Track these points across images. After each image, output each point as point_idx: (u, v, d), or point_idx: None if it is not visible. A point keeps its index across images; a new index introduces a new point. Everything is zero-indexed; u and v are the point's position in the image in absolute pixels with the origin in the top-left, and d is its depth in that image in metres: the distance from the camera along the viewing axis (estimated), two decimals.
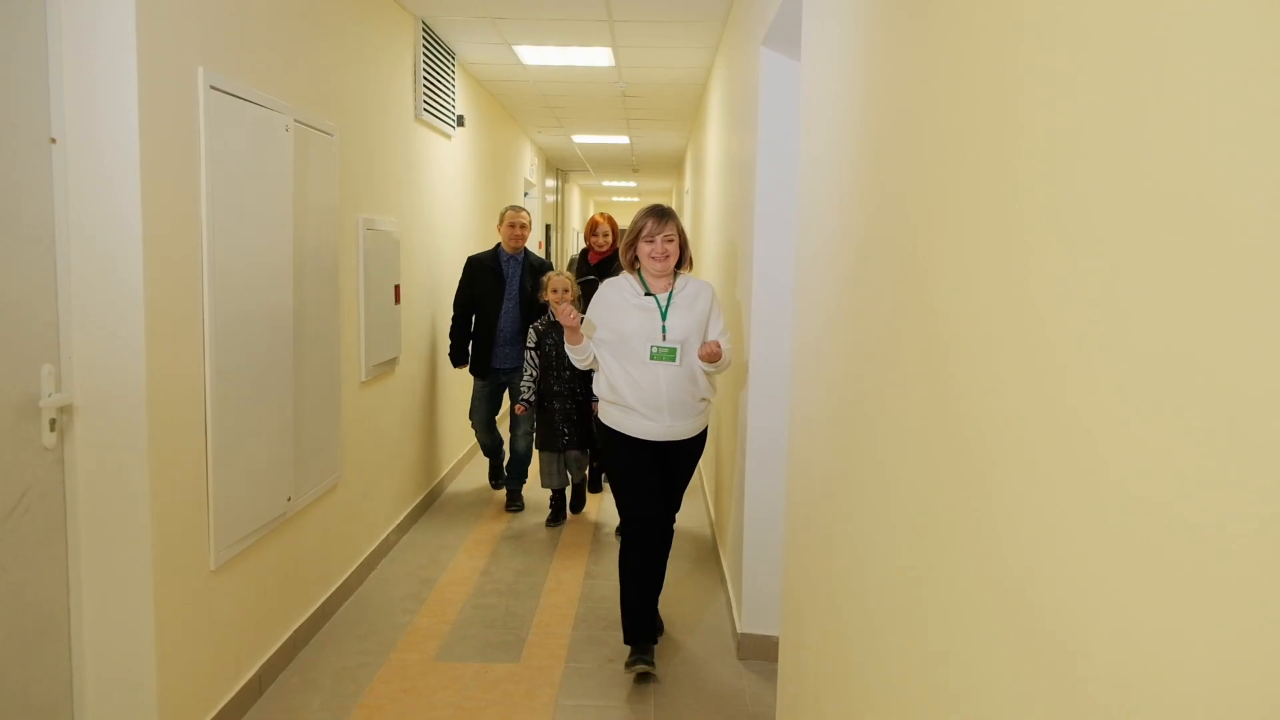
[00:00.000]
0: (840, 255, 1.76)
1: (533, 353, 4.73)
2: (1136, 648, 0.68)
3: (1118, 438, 0.72)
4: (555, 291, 4.53)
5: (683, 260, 3.33)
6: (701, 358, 3.19)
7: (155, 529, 2.35)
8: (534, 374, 4.75)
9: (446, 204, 5.72)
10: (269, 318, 2.99)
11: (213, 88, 2.57)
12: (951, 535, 1.09)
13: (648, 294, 3.28)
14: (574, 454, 4.95)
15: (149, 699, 2.38)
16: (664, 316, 3.23)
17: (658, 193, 18.22)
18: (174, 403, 2.44)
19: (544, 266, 5.29)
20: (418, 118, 4.94)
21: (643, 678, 3.21)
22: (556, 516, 5.08)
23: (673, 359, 3.18)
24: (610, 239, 5.46)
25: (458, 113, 5.90)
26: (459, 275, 5.30)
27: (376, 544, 4.28)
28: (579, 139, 10.08)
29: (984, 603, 0.98)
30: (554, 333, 4.62)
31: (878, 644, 1.41)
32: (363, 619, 3.69)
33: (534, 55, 5.90)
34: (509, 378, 5.23)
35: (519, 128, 9.06)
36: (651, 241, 3.24)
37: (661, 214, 3.27)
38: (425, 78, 5.01)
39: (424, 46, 4.98)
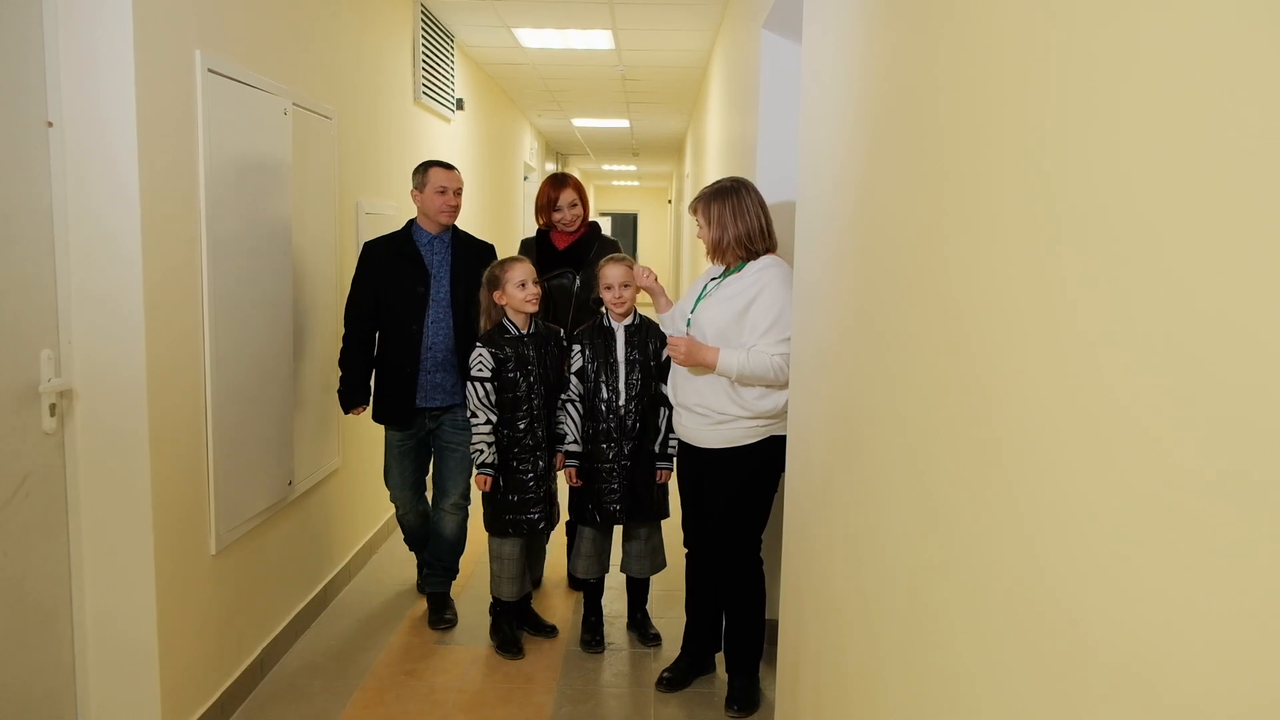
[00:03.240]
0: (843, 238, 1.75)
1: (485, 385, 3.04)
2: (1171, 649, 0.66)
3: (1157, 416, 0.70)
4: (524, 286, 3.02)
5: (764, 246, 2.72)
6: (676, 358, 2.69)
7: (156, 514, 2.35)
8: (489, 419, 3.07)
9: None
10: (269, 302, 2.99)
11: (211, 71, 2.56)
12: (962, 524, 1.09)
13: (715, 277, 2.80)
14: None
15: (151, 683, 2.39)
16: (697, 304, 2.78)
17: (658, 176, 18.17)
18: (174, 387, 2.44)
19: (486, 251, 3.48)
20: (417, 101, 4.92)
21: (667, 684, 3.02)
22: (508, 643, 3.24)
23: None
24: (581, 211, 3.59)
25: (457, 96, 5.88)
26: None
27: (378, 527, 4.30)
28: (579, 122, 10.05)
29: (995, 595, 0.98)
30: (522, 346, 3.07)
31: (877, 632, 1.41)
32: (364, 602, 3.70)
33: (534, 38, 5.87)
34: (440, 422, 3.41)
35: (519, 111, 9.02)
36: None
37: (712, 190, 2.76)
38: (424, 61, 4.99)
39: (423, 29, 4.96)
